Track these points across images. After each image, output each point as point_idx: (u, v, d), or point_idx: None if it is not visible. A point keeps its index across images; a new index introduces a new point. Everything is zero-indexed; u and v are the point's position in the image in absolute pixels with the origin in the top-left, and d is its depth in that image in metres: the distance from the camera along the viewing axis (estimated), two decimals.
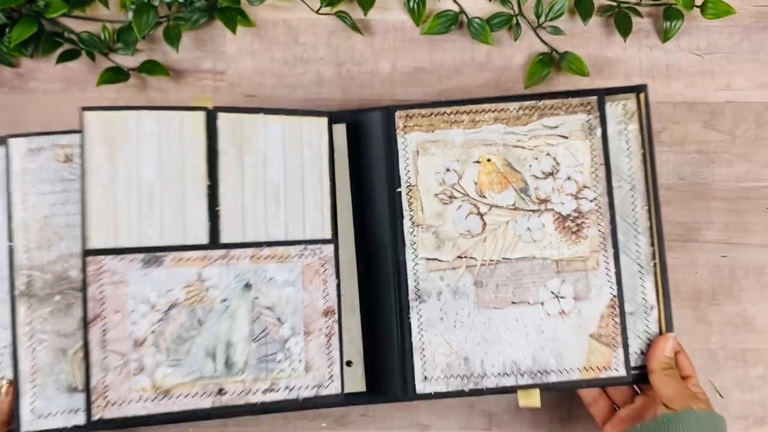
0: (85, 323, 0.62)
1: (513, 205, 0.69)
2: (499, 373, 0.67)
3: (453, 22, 0.79)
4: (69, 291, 0.66)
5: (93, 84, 0.79)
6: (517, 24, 0.80)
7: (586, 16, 0.78)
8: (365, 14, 0.79)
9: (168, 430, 0.74)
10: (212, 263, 0.64)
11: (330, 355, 0.66)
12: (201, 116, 0.65)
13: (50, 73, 0.80)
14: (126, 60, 0.80)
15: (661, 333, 0.68)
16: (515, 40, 0.80)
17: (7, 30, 0.77)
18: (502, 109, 0.70)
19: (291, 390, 0.65)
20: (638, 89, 0.70)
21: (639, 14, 0.80)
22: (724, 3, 0.78)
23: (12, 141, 0.67)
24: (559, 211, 0.69)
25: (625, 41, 0.79)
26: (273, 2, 0.81)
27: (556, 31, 0.79)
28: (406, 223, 0.69)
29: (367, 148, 0.71)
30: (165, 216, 0.64)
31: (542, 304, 0.68)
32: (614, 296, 0.68)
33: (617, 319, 0.68)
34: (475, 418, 0.76)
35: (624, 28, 0.79)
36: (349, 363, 0.69)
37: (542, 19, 0.79)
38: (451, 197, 0.69)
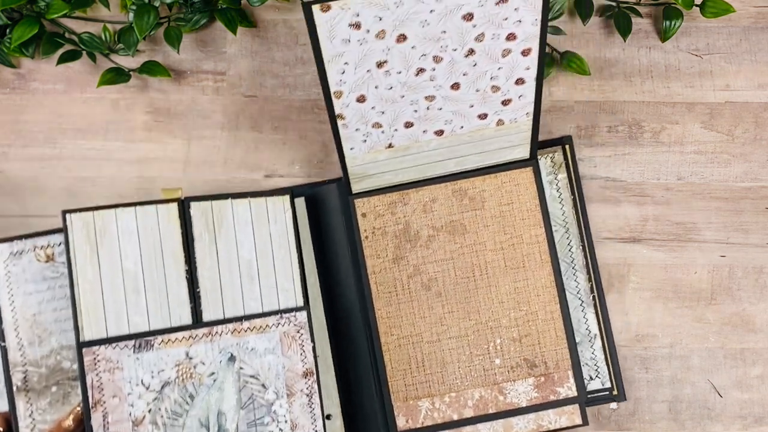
0: (87, 410, 0.67)
1: None
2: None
3: None
4: (65, 381, 0.71)
5: (94, 85, 0.79)
6: None
7: (585, 17, 0.78)
8: None
9: None
10: (198, 341, 0.70)
11: (312, 413, 0.71)
12: (174, 207, 0.71)
13: (51, 73, 0.80)
14: (127, 61, 0.80)
15: (606, 358, 0.75)
16: None
17: (8, 31, 0.78)
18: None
19: None
20: (563, 142, 0.78)
21: (639, 14, 0.80)
22: (724, 1, 0.78)
23: None
24: None
25: (624, 41, 0.80)
26: (273, 3, 0.81)
27: (556, 31, 0.79)
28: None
29: (327, 218, 0.77)
30: (150, 302, 0.69)
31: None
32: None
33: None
34: None
35: (624, 28, 0.79)
36: (328, 416, 0.74)
37: None
38: None
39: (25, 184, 0.79)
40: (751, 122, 0.80)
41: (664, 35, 0.79)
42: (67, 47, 0.78)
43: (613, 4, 0.80)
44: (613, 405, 0.76)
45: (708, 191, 0.79)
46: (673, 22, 0.79)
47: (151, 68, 0.78)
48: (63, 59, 0.77)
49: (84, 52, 0.79)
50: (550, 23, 0.79)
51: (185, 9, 0.79)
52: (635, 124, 0.80)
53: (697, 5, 0.78)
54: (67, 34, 0.80)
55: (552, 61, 0.79)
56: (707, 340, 0.77)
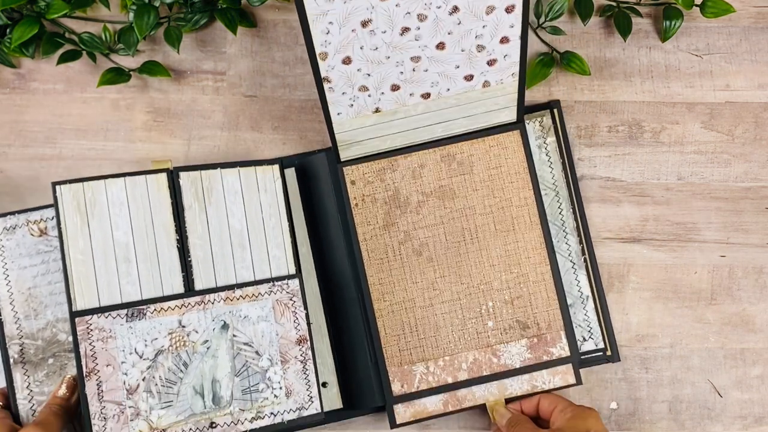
0: (81, 379, 0.68)
1: None
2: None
3: None
4: (61, 353, 0.72)
5: (94, 85, 0.79)
6: None
7: (585, 17, 0.78)
8: None
9: None
10: (190, 310, 0.70)
11: (307, 379, 0.71)
12: (164, 177, 0.71)
13: (51, 73, 0.80)
14: (127, 61, 0.80)
15: (599, 320, 0.75)
16: None
17: (8, 30, 0.78)
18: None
19: (276, 415, 0.70)
20: (551, 106, 0.78)
21: (639, 14, 0.80)
22: (724, 1, 0.78)
23: None
24: None
25: (625, 41, 0.80)
26: (273, 3, 0.81)
27: (556, 31, 0.79)
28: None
29: (317, 187, 0.77)
30: (142, 272, 0.70)
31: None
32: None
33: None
34: (475, 418, 0.76)
35: (624, 28, 0.79)
36: (324, 384, 0.74)
37: (542, 20, 0.79)
38: None
39: (25, 184, 0.79)
40: (751, 122, 0.80)
41: (664, 35, 0.79)
42: (67, 47, 0.78)
43: (613, 4, 0.80)
44: (613, 405, 0.76)
45: (708, 191, 0.79)
46: (673, 22, 0.79)
47: (151, 68, 0.78)
48: (63, 59, 0.78)
49: (84, 52, 0.79)
50: (550, 23, 0.79)
51: (185, 9, 0.79)
52: (635, 124, 0.80)
53: (697, 5, 0.78)
54: (67, 34, 0.80)
55: (552, 61, 0.79)
56: (707, 340, 0.77)
